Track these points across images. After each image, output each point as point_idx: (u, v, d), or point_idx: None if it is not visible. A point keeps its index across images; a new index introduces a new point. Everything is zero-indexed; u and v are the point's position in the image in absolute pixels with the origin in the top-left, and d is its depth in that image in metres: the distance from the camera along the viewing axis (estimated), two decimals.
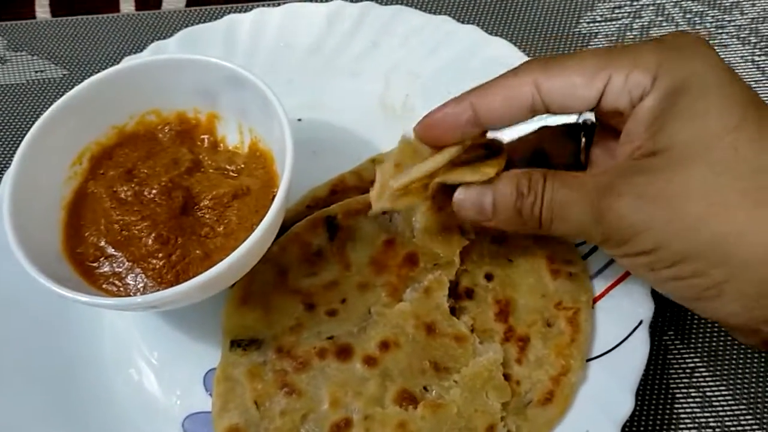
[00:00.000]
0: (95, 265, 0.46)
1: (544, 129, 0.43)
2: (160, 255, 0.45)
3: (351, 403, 0.44)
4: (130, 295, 0.44)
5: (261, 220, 0.42)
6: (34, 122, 0.47)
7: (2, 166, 0.58)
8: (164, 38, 0.59)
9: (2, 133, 0.60)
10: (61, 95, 0.48)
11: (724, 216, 0.30)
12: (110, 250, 0.46)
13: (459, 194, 0.39)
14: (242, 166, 0.50)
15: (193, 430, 0.45)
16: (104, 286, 0.45)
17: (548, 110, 0.37)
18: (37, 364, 0.47)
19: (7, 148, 0.59)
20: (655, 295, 0.46)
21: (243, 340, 0.46)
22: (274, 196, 0.44)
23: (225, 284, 0.45)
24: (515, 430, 0.43)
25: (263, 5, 0.61)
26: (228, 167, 0.50)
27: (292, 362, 0.45)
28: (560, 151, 0.43)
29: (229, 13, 0.61)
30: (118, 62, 0.58)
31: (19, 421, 0.45)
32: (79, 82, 0.48)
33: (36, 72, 0.64)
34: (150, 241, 0.46)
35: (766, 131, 0.31)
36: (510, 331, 0.46)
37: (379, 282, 0.48)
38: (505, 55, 0.55)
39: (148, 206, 0.47)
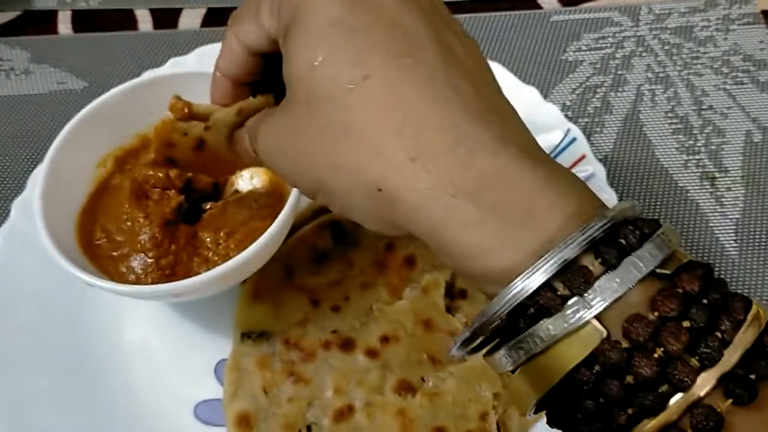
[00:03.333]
0: (98, 243, 0.49)
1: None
2: (151, 254, 0.48)
3: (353, 391, 0.47)
4: (114, 280, 0.47)
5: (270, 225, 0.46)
6: (55, 129, 0.50)
7: (26, 167, 0.61)
8: (181, 55, 0.63)
9: (26, 138, 0.63)
10: (81, 105, 0.51)
11: (314, 155, 0.30)
12: (115, 235, 0.50)
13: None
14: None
15: (205, 416, 0.48)
16: (102, 263, 0.49)
17: (255, 53, 0.37)
18: (55, 353, 0.50)
19: (31, 152, 0.63)
20: None
21: (253, 332, 0.49)
22: (281, 199, 0.48)
23: (238, 279, 0.49)
24: (506, 418, 0.46)
25: None
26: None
27: (299, 353, 0.48)
28: None
29: None
30: (137, 75, 0.62)
31: (35, 408, 0.47)
32: (99, 94, 0.52)
33: (58, 83, 0.68)
34: (146, 239, 0.49)
35: (339, 60, 0.29)
36: None
37: (380, 282, 0.51)
38: (499, 77, 0.59)
39: (152, 206, 0.51)
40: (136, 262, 0.49)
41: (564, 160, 0.55)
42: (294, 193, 0.47)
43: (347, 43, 0.29)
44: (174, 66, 0.61)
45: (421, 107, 0.28)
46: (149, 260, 0.49)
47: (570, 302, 0.26)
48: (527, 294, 0.26)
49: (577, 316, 0.25)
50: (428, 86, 0.28)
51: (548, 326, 0.26)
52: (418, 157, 0.27)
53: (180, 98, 0.43)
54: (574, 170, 0.55)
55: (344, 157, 0.29)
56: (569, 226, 0.26)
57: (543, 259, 0.26)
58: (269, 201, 0.52)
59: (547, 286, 0.26)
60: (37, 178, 0.48)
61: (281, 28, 0.32)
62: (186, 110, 0.43)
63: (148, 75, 0.55)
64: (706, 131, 0.63)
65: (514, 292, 0.26)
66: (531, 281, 0.26)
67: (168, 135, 0.44)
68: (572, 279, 0.26)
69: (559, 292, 0.26)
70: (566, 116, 0.58)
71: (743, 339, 0.25)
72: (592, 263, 0.26)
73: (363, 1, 0.30)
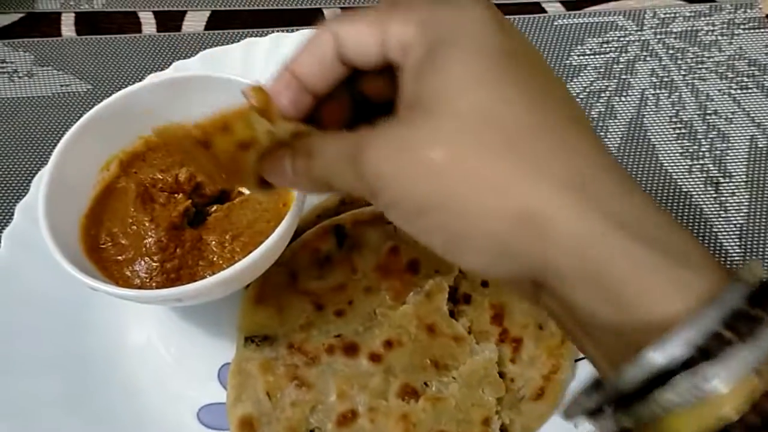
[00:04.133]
0: (103, 247, 0.50)
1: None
2: (156, 258, 0.48)
3: (357, 395, 0.47)
4: (118, 285, 0.47)
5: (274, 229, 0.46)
6: (58, 131, 0.50)
7: (30, 170, 0.61)
8: (184, 58, 0.63)
9: (30, 140, 0.63)
10: (85, 107, 0.52)
11: (459, 168, 0.29)
12: (120, 239, 0.50)
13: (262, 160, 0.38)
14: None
15: (208, 420, 0.48)
16: (107, 267, 0.49)
17: (348, 61, 0.35)
18: (59, 356, 0.50)
19: (34, 153, 0.63)
20: None
21: (257, 336, 0.49)
22: (284, 200, 0.48)
23: (241, 284, 0.49)
24: (509, 422, 0.46)
25: (279, 31, 0.66)
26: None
27: (303, 357, 0.48)
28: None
29: (246, 37, 0.65)
30: (140, 78, 0.63)
31: (40, 411, 0.47)
32: (103, 96, 0.52)
33: (62, 86, 0.68)
34: (151, 242, 0.49)
35: (513, 85, 0.30)
36: (504, 333, 0.50)
37: (383, 286, 0.51)
38: None
39: (158, 210, 0.51)
40: (141, 266, 0.49)
41: None
42: (298, 196, 0.47)
43: (518, 69, 0.30)
44: (177, 69, 0.61)
45: (576, 140, 0.29)
46: (154, 264, 0.49)
47: (703, 369, 0.24)
48: (695, 344, 0.24)
49: (712, 384, 0.23)
50: (578, 123, 0.29)
51: (672, 396, 0.24)
52: (578, 188, 0.27)
53: (262, 88, 0.38)
54: None
55: (491, 176, 0.28)
56: (724, 278, 0.26)
57: (712, 305, 0.24)
58: (272, 203, 0.52)
59: (715, 335, 0.24)
60: (40, 181, 0.48)
61: (423, 42, 0.32)
62: (265, 104, 0.38)
63: (152, 78, 0.55)
64: (710, 136, 0.62)
65: (682, 340, 0.24)
66: (698, 330, 0.24)
67: (233, 121, 0.39)
68: (737, 328, 0.24)
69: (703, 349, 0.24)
70: None
71: None
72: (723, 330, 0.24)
73: (514, 35, 0.32)
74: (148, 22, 0.73)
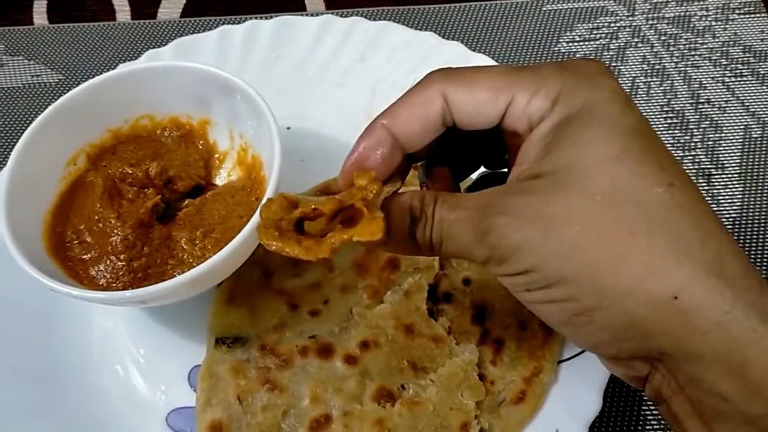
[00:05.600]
0: (68, 246, 0.48)
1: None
2: (122, 257, 0.47)
3: (331, 399, 0.45)
4: (83, 285, 0.46)
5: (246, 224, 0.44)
6: (29, 124, 0.48)
7: None
8: (158, 46, 0.61)
9: None
10: (57, 99, 0.50)
11: (597, 244, 0.29)
12: (86, 237, 0.48)
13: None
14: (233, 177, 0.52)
15: (177, 425, 0.46)
16: (72, 267, 0.47)
17: (455, 124, 0.35)
18: (24, 360, 0.48)
19: (3, 147, 0.61)
20: None
21: (228, 337, 0.47)
22: (257, 195, 0.46)
23: (211, 283, 0.47)
24: (488, 428, 0.44)
25: (255, 18, 0.63)
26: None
27: (275, 360, 0.46)
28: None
29: (222, 24, 0.63)
30: (113, 68, 0.60)
31: (6, 417, 0.46)
32: (75, 87, 0.50)
33: (32, 76, 0.65)
34: (117, 240, 0.47)
35: (648, 163, 0.30)
36: (486, 333, 0.48)
37: (361, 284, 0.49)
38: None
39: (126, 205, 0.49)
40: (107, 266, 0.47)
41: None
42: (269, 190, 0.45)
43: (650, 147, 0.31)
44: (150, 59, 0.59)
45: (715, 228, 0.30)
46: (120, 263, 0.47)
47: None
48: None
49: None
50: (702, 203, 0.30)
51: None
52: (718, 272, 0.28)
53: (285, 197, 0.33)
54: None
55: (632, 255, 0.29)
56: None
57: None
58: (244, 197, 0.50)
59: None
60: (2, 179, 0.46)
61: (555, 116, 0.32)
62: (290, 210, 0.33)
63: (121, 68, 0.53)
64: (702, 126, 0.60)
65: None
66: None
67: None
68: None
69: None
70: None
71: None
72: None
73: (636, 110, 0.33)
74: (122, 10, 0.71)
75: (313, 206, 0.32)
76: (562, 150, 0.32)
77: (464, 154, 0.40)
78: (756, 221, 0.55)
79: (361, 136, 0.36)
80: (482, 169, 0.42)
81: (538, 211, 0.31)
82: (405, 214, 0.34)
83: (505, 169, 0.39)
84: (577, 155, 0.31)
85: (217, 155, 0.54)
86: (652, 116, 0.61)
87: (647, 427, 0.47)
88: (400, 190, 0.36)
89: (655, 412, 0.47)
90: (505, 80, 0.34)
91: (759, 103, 0.62)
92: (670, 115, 0.61)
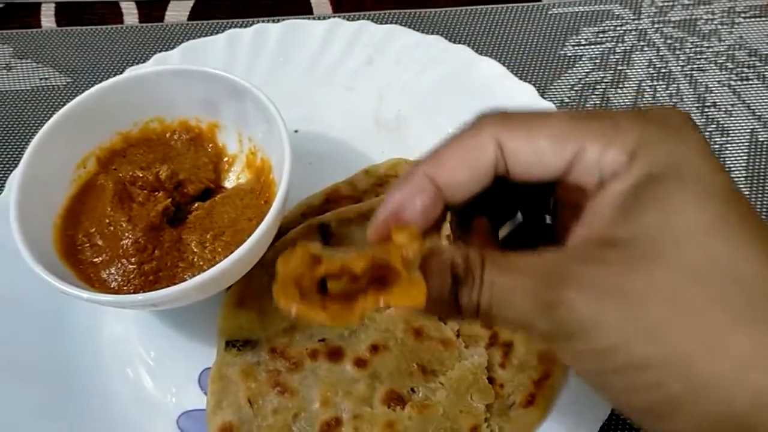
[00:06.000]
0: (79, 249, 0.48)
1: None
2: (133, 260, 0.47)
3: (341, 402, 0.45)
4: (94, 288, 0.46)
5: (256, 227, 0.44)
6: (37, 127, 0.48)
7: (6, 167, 0.60)
8: (166, 50, 0.61)
9: (7, 137, 0.62)
10: (65, 102, 0.50)
11: (690, 325, 0.26)
12: (97, 240, 0.48)
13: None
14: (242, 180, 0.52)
15: (188, 427, 0.46)
16: (83, 270, 0.47)
17: (508, 175, 0.31)
18: (35, 362, 0.48)
19: (12, 150, 0.61)
20: None
21: (238, 340, 0.48)
22: (266, 197, 0.46)
23: (221, 286, 0.47)
24: (498, 430, 0.45)
25: (263, 21, 0.63)
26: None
27: (285, 363, 0.47)
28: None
29: (229, 27, 0.63)
30: (121, 72, 0.61)
31: (17, 419, 0.46)
32: (82, 90, 0.50)
33: (41, 79, 0.66)
34: (128, 243, 0.47)
35: (746, 232, 0.27)
36: (494, 336, 0.48)
37: None
38: (494, 73, 0.58)
39: (136, 209, 0.49)
40: (118, 269, 0.47)
41: None
42: (280, 193, 0.45)
43: (746, 214, 0.28)
44: (158, 62, 0.60)
45: None
46: (131, 266, 0.47)
47: None
48: None
49: None
50: None
51: None
52: None
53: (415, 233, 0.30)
54: None
55: (732, 343, 0.26)
56: None
57: None
58: (254, 200, 0.50)
59: None
60: (13, 181, 0.46)
61: (634, 173, 0.28)
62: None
63: (130, 72, 0.53)
64: (709, 129, 0.60)
65: None
66: None
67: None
68: None
69: None
70: None
71: None
72: None
73: (720, 165, 0.29)
74: (130, 13, 0.71)
75: (340, 263, 0.28)
76: (646, 215, 0.28)
77: (502, 201, 0.36)
78: None
79: (398, 184, 0.32)
80: (518, 215, 0.38)
81: (618, 284, 0.27)
82: (447, 273, 0.30)
83: (547, 220, 0.36)
84: (664, 222, 0.27)
85: (226, 158, 0.54)
86: None
87: None
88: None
89: None
90: (571, 127, 0.30)
91: (765, 106, 0.62)
92: None
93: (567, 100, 0.63)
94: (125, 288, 0.47)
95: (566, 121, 0.30)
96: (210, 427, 0.45)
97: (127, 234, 0.48)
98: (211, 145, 0.54)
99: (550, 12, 0.69)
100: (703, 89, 0.63)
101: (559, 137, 0.30)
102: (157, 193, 0.50)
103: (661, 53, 0.65)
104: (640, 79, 0.64)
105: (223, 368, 0.47)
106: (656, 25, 0.67)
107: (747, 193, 0.57)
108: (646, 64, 0.65)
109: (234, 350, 0.47)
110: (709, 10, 0.68)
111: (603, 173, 0.29)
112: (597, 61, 0.65)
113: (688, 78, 0.64)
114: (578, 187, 0.30)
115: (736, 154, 0.59)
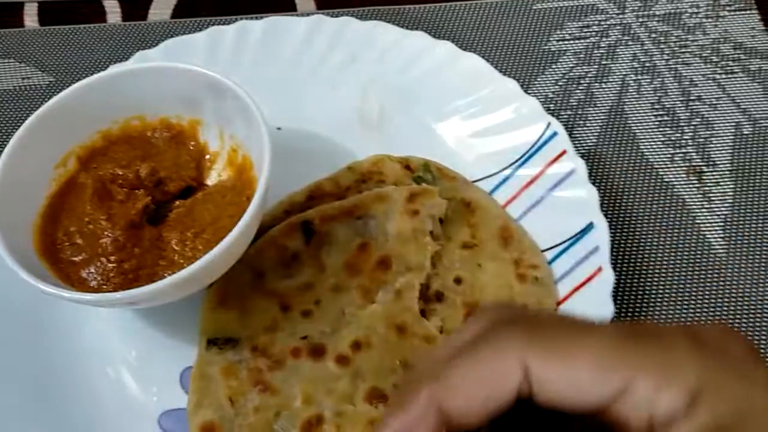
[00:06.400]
0: (59, 248, 0.48)
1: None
2: (113, 259, 0.46)
3: (323, 400, 0.45)
4: (74, 287, 0.46)
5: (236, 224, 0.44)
6: (19, 126, 0.48)
7: None
8: (149, 48, 0.61)
9: None
10: (47, 102, 0.50)
11: None
12: (76, 238, 0.48)
13: None
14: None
15: (169, 426, 0.46)
16: (63, 269, 0.47)
17: (532, 398, 0.26)
18: (14, 362, 0.48)
19: None
20: (615, 299, 0.49)
21: (219, 339, 0.47)
22: (248, 195, 0.46)
23: (201, 284, 0.47)
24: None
25: (246, 18, 0.63)
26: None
27: (267, 361, 0.46)
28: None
29: (212, 25, 0.63)
30: (104, 70, 0.60)
31: None
32: (65, 89, 0.50)
33: (23, 78, 0.65)
34: (107, 242, 0.47)
35: None
36: None
37: (352, 284, 0.49)
38: (478, 69, 0.58)
39: (116, 207, 0.49)
40: (98, 268, 0.47)
41: (544, 155, 0.53)
42: (259, 190, 0.45)
43: None
44: (140, 60, 0.59)
45: None
46: (111, 265, 0.47)
47: None
48: None
49: None
50: None
51: None
52: None
53: None
54: (553, 166, 0.53)
55: None
56: None
57: None
58: (235, 197, 0.50)
59: None
60: None
61: (700, 421, 0.24)
62: None
63: (110, 70, 0.53)
64: (693, 123, 0.60)
65: None
66: None
67: None
68: None
69: None
70: (548, 109, 0.56)
71: None
72: None
73: None
74: (113, 11, 0.71)
75: None
76: None
77: (518, 424, 0.31)
78: (748, 218, 0.55)
79: (398, 407, 0.28)
80: None
81: None
82: None
83: None
84: None
85: (208, 156, 0.54)
86: (643, 114, 0.61)
87: None
88: None
89: None
90: (618, 354, 0.25)
91: (750, 100, 0.62)
92: (661, 112, 0.61)
93: (551, 95, 0.62)
94: (105, 287, 0.46)
95: (611, 343, 0.26)
96: (191, 426, 0.45)
97: (106, 232, 0.47)
98: (193, 143, 0.54)
99: (534, 7, 0.69)
100: (687, 83, 0.63)
101: (603, 367, 0.25)
102: (137, 191, 0.50)
103: (645, 47, 0.65)
104: (624, 73, 0.64)
105: (204, 367, 0.47)
106: (640, 19, 0.67)
107: (732, 186, 0.57)
108: (630, 58, 0.65)
109: (215, 349, 0.47)
110: (694, 3, 0.68)
111: (656, 416, 0.25)
112: (581, 55, 0.65)
113: (672, 72, 0.64)
114: (620, 421, 0.26)
115: (720, 148, 0.59)
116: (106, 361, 0.49)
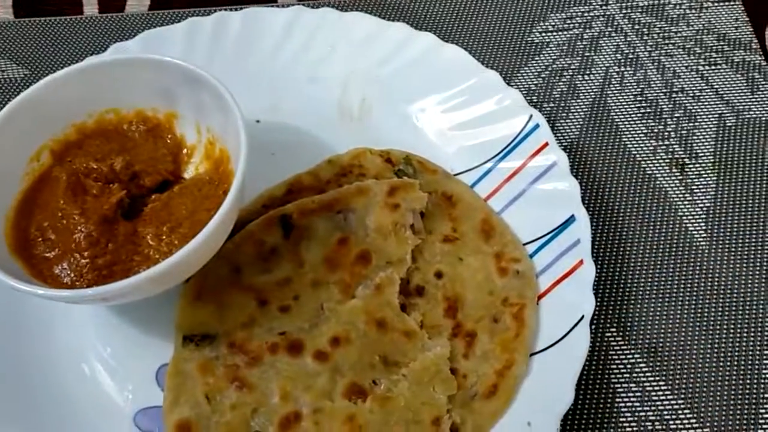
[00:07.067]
0: (32, 243, 0.47)
1: None
2: (86, 254, 0.46)
3: (301, 396, 0.44)
4: (47, 283, 0.45)
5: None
6: None
7: None
8: (127, 40, 0.60)
9: None
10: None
11: None
12: (49, 234, 0.47)
13: None
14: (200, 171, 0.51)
15: (145, 425, 0.46)
16: (35, 265, 0.46)
17: None
18: None
19: None
20: (597, 292, 0.48)
21: (196, 335, 0.47)
22: (225, 188, 0.45)
23: (177, 279, 0.46)
24: (460, 422, 0.44)
25: (225, 9, 0.62)
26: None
27: (244, 357, 0.46)
28: None
29: (191, 16, 0.62)
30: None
31: None
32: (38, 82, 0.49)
33: None
34: (80, 237, 0.46)
35: None
36: (458, 326, 0.47)
37: (332, 279, 0.49)
38: (459, 60, 0.57)
39: (90, 201, 0.48)
40: (71, 263, 0.46)
41: (526, 148, 0.53)
42: (236, 183, 0.44)
43: None
44: (116, 52, 0.58)
45: None
46: (84, 261, 0.46)
47: None
48: None
49: None
50: None
51: None
52: None
53: None
54: (535, 159, 0.52)
55: None
56: None
57: None
58: (212, 190, 0.49)
59: None
60: None
61: None
62: None
63: (83, 63, 0.52)
64: (676, 115, 0.60)
65: None
66: None
67: None
68: None
69: None
70: (530, 102, 0.55)
71: None
72: None
73: None
74: (89, 3, 0.69)
75: None
76: None
77: None
78: (730, 210, 0.55)
79: None
80: None
81: None
82: None
83: None
84: None
85: (185, 149, 0.53)
86: (626, 106, 0.61)
87: (620, 419, 0.46)
88: None
89: (628, 404, 0.47)
90: None
91: (733, 91, 0.61)
92: (644, 104, 0.61)
93: (534, 88, 0.62)
94: (78, 283, 0.45)
95: None
96: (167, 423, 0.44)
97: (79, 227, 0.47)
98: (170, 136, 0.53)
99: None
100: (671, 74, 0.62)
101: None
102: (111, 185, 0.49)
103: (628, 39, 0.65)
104: (607, 65, 0.63)
105: (180, 364, 0.46)
106: (624, 11, 0.67)
107: (714, 178, 0.56)
108: (613, 49, 0.64)
109: (192, 345, 0.46)
110: None
111: None
112: (565, 47, 0.65)
113: (656, 63, 0.63)
114: None
115: (703, 140, 0.58)
116: (81, 359, 0.48)
